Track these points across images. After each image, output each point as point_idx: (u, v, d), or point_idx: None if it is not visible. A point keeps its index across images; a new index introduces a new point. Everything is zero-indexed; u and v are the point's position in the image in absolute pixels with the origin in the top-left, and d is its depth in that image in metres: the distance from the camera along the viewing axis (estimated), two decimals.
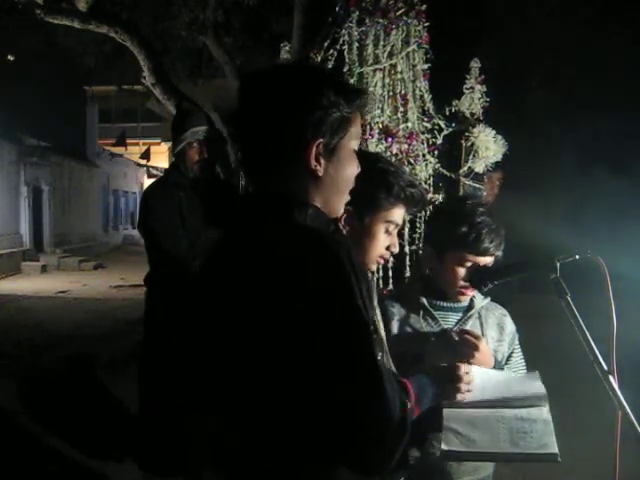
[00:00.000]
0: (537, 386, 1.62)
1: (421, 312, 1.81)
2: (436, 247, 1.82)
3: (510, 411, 1.58)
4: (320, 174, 1.17)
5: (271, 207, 1.16)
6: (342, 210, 1.28)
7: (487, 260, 1.76)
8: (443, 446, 1.51)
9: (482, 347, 1.71)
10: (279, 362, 1.08)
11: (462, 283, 1.77)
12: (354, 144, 1.23)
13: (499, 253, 1.79)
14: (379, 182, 1.53)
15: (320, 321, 1.04)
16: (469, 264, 1.75)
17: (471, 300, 1.86)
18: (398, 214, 1.59)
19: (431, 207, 2.38)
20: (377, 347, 1.09)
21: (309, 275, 1.05)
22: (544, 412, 1.56)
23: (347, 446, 1.07)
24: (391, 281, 2.47)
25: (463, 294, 1.81)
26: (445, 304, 1.84)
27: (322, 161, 1.16)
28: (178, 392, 2.86)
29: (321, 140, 1.15)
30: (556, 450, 1.47)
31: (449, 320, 1.82)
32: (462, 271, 1.76)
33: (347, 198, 1.26)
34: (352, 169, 1.24)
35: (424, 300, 1.82)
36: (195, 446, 2.89)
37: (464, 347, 1.70)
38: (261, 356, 1.09)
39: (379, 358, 1.08)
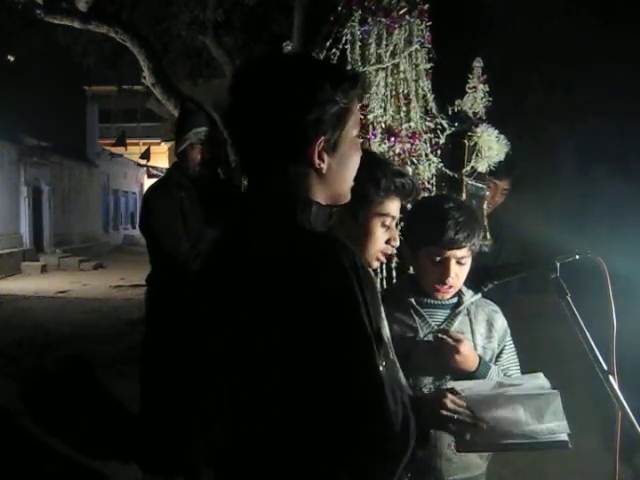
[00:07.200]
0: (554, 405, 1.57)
1: (410, 310, 1.80)
2: (409, 244, 1.80)
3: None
4: (324, 171, 1.14)
5: (274, 207, 1.13)
6: (349, 194, 1.24)
7: (457, 254, 1.73)
8: (453, 439, 1.50)
9: (462, 349, 1.69)
10: (279, 368, 1.06)
11: (435, 279, 1.75)
12: (355, 132, 1.20)
13: (473, 247, 1.75)
14: (366, 177, 1.48)
15: (320, 330, 1.02)
16: (438, 258, 1.73)
17: (460, 297, 1.84)
18: (392, 206, 1.57)
19: None
20: (382, 357, 1.06)
21: (311, 282, 1.03)
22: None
23: (347, 457, 1.05)
24: (395, 281, 2.47)
25: (438, 291, 1.78)
26: (433, 301, 1.82)
27: (325, 158, 1.14)
28: (180, 393, 2.86)
29: (323, 137, 1.12)
30: (566, 437, 1.46)
31: (437, 317, 1.81)
32: (433, 266, 1.74)
33: (352, 184, 1.23)
34: (355, 158, 1.21)
35: (411, 298, 1.81)
36: (195, 446, 2.89)
37: (443, 349, 1.70)
38: (260, 361, 1.08)
39: (382, 369, 1.04)
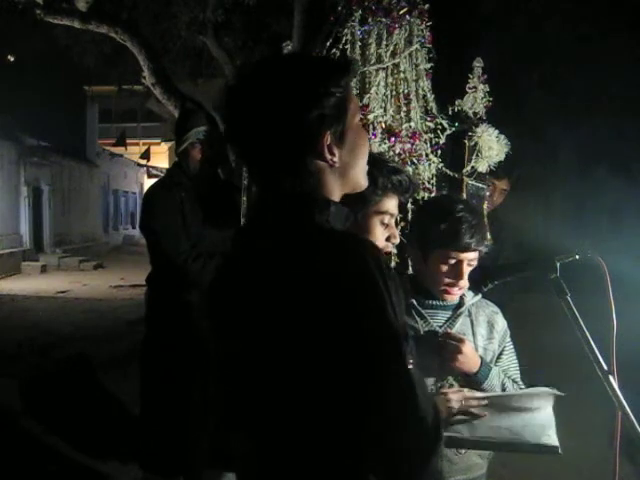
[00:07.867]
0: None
1: (411, 311, 1.79)
2: (419, 246, 1.81)
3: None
4: (337, 164, 1.14)
5: (292, 208, 1.12)
6: (366, 181, 1.24)
7: (470, 256, 1.74)
8: (444, 432, 1.50)
9: (465, 350, 1.70)
10: (304, 368, 1.04)
11: (447, 281, 1.76)
12: (357, 118, 1.20)
13: (482, 248, 1.77)
14: None
15: (348, 329, 1.01)
16: (452, 261, 1.74)
17: (461, 298, 1.84)
18: (390, 204, 1.58)
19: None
20: (409, 355, 1.03)
21: (335, 281, 1.02)
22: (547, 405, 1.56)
23: (379, 459, 1.04)
24: None
25: (448, 293, 1.79)
26: (434, 302, 1.82)
27: (335, 151, 1.13)
28: (180, 393, 2.87)
29: (329, 131, 1.12)
30: (557, 443, 1.47)
31: (439, 319, 1.81)
32: (445, 269, 1.75)
33: (366, 168, 1.23)
34: (364, 143, 1.22)
35: (413, 299, 1.80)
36: (195, 446, 2.89)
37: (446, 350, 1.71)
38: (284, 362, 1.06)
39: (410, 367, 1.02)
